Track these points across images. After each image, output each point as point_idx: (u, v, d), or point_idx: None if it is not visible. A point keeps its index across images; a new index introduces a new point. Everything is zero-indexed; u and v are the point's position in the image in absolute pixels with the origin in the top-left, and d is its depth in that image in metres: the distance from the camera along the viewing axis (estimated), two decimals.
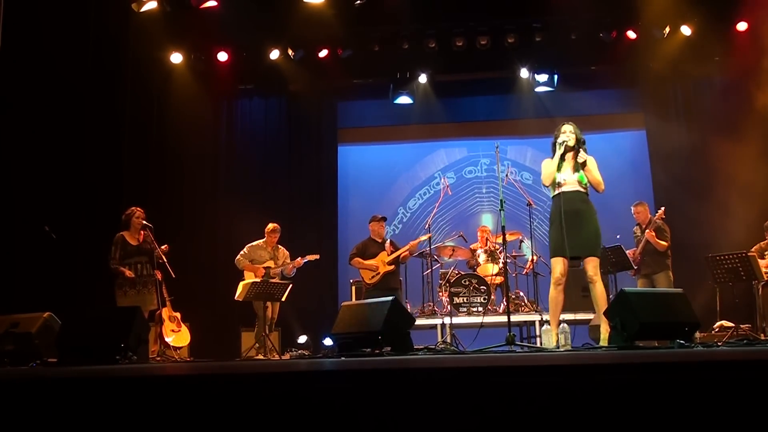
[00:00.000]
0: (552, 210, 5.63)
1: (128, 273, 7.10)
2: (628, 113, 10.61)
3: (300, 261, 8.00)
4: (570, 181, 5.52)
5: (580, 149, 5.60)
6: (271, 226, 8.14)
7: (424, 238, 8.28)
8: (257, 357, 7.42)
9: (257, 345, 7.64)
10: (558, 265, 5.45)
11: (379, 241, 8.09)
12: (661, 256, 7.59)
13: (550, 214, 5.67)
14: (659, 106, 10.09)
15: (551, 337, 5.34)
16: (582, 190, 5.52)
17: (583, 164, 5.51)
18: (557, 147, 5.59)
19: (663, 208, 7.68)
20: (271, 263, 8.00)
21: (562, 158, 5.57)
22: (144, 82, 9.73)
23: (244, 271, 7.97)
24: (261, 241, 8.11)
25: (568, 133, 5.60)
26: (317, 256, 8.07)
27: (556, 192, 5.57)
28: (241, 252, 8.03)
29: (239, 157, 10.30)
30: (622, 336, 4.76)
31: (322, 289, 9.70)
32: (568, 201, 5.47)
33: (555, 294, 5.47)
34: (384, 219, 8.26)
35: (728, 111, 9.45)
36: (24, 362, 5.00)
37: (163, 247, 7.34)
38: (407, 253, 8.05)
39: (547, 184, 5.66)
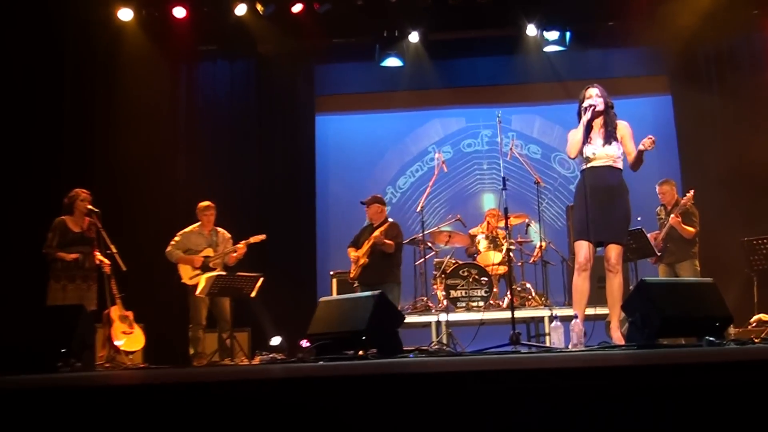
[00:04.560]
0: (577, 186, 5.62)
1: (69, 256, 7.06)
2: (650, 76, 10.61)
3: (243, 246, 7.90)
4: (600, 154, 5.48)
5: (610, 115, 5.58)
6: (204, 203, 8.04)
7: (382, 230, 7.71)
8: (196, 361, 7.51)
9: (192, 352, 7.68)
10: (582, 249, 5.43)
11: (375, 225, 7.95)
12: (687, 244, 7.61)
13: (575, 190, 5.67)
14: (687, 68, 10.07)
15: (574, 333, 5.30)
16: (614, 165, 5.50)
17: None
18: (582, 113, 5.56)
19: (693, 191, 7.61)
20: (209, 251, 7.92)
21: (590, 127, 5.55)
22: (88, 42, 9.64)
23: (178, 265, 7.88)
24: (195, 225, 8.02)
25: (594, 97, 5.55)
26: (263, 237, 7.98)
27: (585, 166, 5.54)
28: (172, 241, 7.92)
29: (201, 130, 10.22)
30: (643, 333, 4.78)
31: (299, 282, 9.69)
32: (597, 177, 5.45)
33: (579, 282, 5.44)
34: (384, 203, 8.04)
35: None
36: None
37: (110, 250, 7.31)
38: (378, 243, 7.75)
39: (572, 156, 5.63)
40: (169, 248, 7.91)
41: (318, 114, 10.63)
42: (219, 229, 8.09)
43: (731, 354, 3.46)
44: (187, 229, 8.01)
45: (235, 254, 7.94)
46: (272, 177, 10.16)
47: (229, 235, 8.10)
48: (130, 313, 7.67)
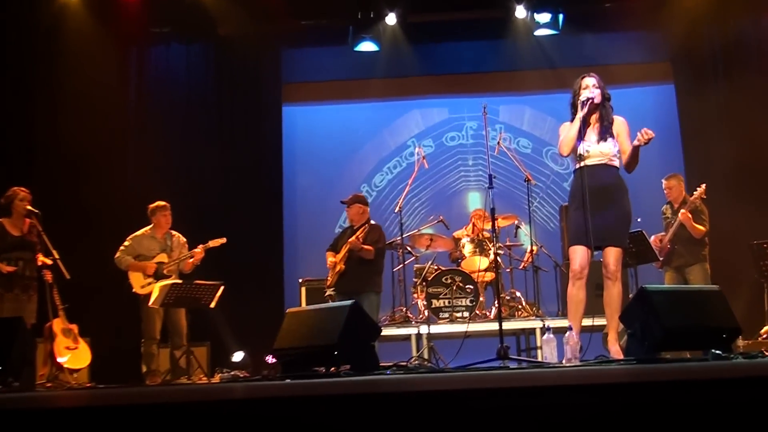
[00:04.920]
0: (572, 187, 5.65)
1: (5, 268, 7.02)
2: (651, 63, 10.71)
3: (200, 251, 7.86)
4: (594, 152, 5.51)
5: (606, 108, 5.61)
6: (157, 203, 7.99)
7: (359, 234, 7.68)
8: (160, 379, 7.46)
9: (145, 370, 7.65)
10: (578, 255, 5.45)
11: (355, 228, 7.91)
12: (697, 245, 7.65)
13: (569, 191, 5.70)
14: (692, 54, 10.17)
15: (568, 346, 5.33)
16: (610, 163, 5.54)
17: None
18: (579, 107, 5.59)
19: (704, 186, 7.63)
20: (163, 257, 7.88)
21: (585, 122, 5.57)
22: (26, 23, 9.56)
23: (129, 273, 7.82)
24: (147, 228, 7.97)
25: (591, 88, 5.58)
26: (223, 240, 7.95)
27: (578, 165, 5.57)
28: (122, 246, 7.86)
29: (153, 121, 10.16)
30: (643, 346, 4.81)
31: (263, 291, 9.68)
32: (592, 176, 5.47)
33: (574, 291, 5.48)
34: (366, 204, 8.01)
35: None
36: None
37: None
38: (354, 248, 7.74)
39: (564, 154, 5.64)
40: (118, 254, 7.86)
41: (285, 104, 10.62)
42: (174, 232, 8.05)
43: (739, 369, 3.50)
44: (138, 233, 7.96)
45: (191, 260, 7.90)
46: (233, 174, 10.11)
47: (185, 239, 8.07)
48: (74, 327, 7.62)
